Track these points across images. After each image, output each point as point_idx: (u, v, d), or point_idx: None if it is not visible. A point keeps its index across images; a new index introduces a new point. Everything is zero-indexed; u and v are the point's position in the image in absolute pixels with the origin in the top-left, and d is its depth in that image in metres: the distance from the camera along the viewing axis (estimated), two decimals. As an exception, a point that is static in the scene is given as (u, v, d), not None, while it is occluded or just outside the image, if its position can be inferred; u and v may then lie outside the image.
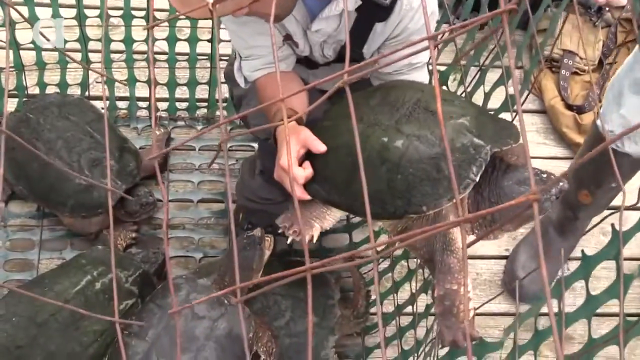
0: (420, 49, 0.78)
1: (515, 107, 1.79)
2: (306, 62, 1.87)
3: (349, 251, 2.37)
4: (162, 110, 2.75)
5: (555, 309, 1.60)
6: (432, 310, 2.01)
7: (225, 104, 2.64)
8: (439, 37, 1.88)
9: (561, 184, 1.53)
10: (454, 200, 1.48)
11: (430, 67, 1.81)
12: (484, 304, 1.78)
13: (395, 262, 2.28)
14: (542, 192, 1.54)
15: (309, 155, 1.64)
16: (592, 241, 2.52)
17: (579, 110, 2.81)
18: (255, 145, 2.69)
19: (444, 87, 1.90)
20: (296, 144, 1.59)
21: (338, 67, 1.89)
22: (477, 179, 1.47)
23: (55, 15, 2.38)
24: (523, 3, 1.85)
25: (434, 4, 1.67)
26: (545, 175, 1.55)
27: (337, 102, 1.77)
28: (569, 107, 2.84)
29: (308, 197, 1.61)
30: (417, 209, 1.49)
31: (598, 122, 2.01)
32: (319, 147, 1.56)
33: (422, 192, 1.48)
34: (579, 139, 2.78)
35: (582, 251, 1.38)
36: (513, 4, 0.72)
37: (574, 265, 2.24)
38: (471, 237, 1.62)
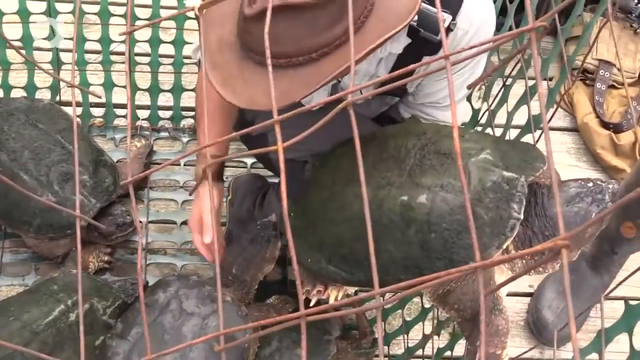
0: (438, 68, 0.77)
1: (540, 126, 1.78)
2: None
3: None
4: (142, 120, 2.74)
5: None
6: (446, 354, 2.01)
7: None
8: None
9: (611, 186, 1.53)
10: (504, 246, 1.46)
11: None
12: (518, 357, 1.76)
13: (406, 300, 2.27)
14: (596, 203, 1.54)
15: (312, 230, 1.64)
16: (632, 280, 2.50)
17: (616, 128, 2.80)
18: (248, 161, 2.68)
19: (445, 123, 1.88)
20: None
21: (374, 103, 1.90)
22: (522, 216, 1.46)
23: (22, 8, 2.38)
24: (551, 9, 1.85)
25: (486, 33, 1.66)
26: (591, 185, 1.55)
27: (324, 166, 1.76)
28: (605, 125, 2.83)
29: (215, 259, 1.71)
30: (461, 265, 1.46)
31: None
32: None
33: (464, 247, 1.46)
34: (616, 162, 2.77)
35: (626, 301, 1.37)
36: (542, 21, 0.72)
37: (607, 305, 2.24)
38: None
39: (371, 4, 1.38)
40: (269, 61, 0.82)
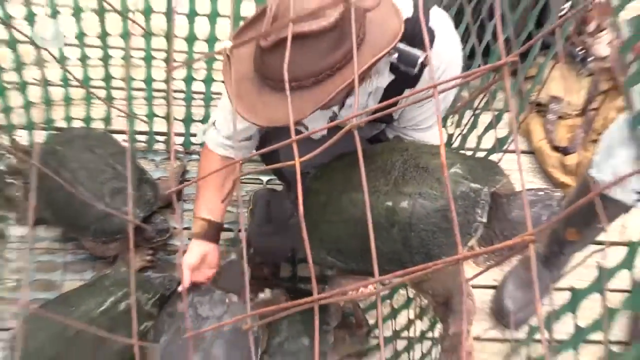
0: (425, 97, 0.78)
1: (503, 148, 1.79)
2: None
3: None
4: (178, 144, 2.75)
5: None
6: (427, 335, 2.02)
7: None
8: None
9: (556, 194, 1.54)
10: (469, 244, 1.47)
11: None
12: (481, 339, 1.77)
13: (394, 291, 2.28)
14: (546, 207, 1.54)
15: (314, 228, 1.64)
16: (575, 273, 2.51)
17: (564, 151, 2.81)
18: (264, 178, 2.68)
19: (426, 142, 1.88)
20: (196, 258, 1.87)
21: (367, 128, 1.91)
22: (485, 220, 1.46)
23: (84, 56, 2.40)
24: (511, 51, 1.86)
25: (456, 67, 1.66)
26: (541, 193, 1.55)
27: (322, 176, 1.76)
28: (555, 148, 2.84)
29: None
30: (437, 260, 1.46)
31: (590, 170, 2.00)
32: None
33: (438, 244, 1.46)
34: (564, 179, 2.78)
35: (572, 287, 1.37)
36: (514, 56, 0.73)
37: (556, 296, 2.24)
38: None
39: (363, 32, 1.40)
40: (287, 86, 0.83)
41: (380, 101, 1.69)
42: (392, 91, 1.66)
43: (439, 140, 1.88)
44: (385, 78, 1.61)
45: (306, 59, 1.34)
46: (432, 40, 1.56)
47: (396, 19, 1.44)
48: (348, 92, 1.64)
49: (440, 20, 1.61)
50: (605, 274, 1.10)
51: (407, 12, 1.57)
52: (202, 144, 2.71)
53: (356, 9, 1.35)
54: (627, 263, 1.09)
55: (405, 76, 1.60)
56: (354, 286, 0.78)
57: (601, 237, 2.28)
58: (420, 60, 1.56)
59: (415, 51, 1.55)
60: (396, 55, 1.55)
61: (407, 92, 1.66)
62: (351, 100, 1.68)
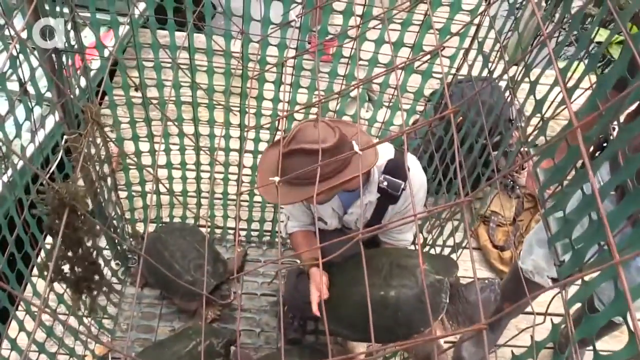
0: (409, 221, 0.75)
1: (462, 245, 1.73)
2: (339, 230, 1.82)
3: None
4: (242, 236, 2.71)
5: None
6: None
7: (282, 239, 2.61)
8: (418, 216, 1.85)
9: (496, 281, 1.50)
10: (438, 319, 1.41)
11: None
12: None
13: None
14: (492, 292, 1.48)
15: (334, 314, 1.58)
16: (509, 334, 2.38)
17: (501, 249, 2.74)
18: (299, 261, 2.63)
19: (404, 241, 1.82)
20: (316, 286, 1.61)
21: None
22: (448, 301, 1.40)
23: (184, 176, 2.41)
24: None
25: (423, 191, 1.64)
26: (487, 281, 1.51)
27: (336, 279, 1.68)
28: (495, 246, 2.77)
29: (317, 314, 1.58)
30: (417, 330, 1.41)
31: (518, 262, 1.95)
32: (324, 294, 1.56)
33: (416, 320, 1.40)
34: (501, 267, 2.70)
35: (512, 352, 1.28)
36: (470, 199, 0.70)
37: (500, 352, 2.11)
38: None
39: (348, 162, 1.39)
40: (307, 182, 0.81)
41: (375, 210, 1.66)
42: (380, 205, 1.63)
43: (410, 241, 1.81)
44: (373, 195, 1.59)
45: (307, 167, 1.33)
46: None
47: (374, 157, 1.44)
48: (348, 204, 1.62)
49: (412, 160, 1.60)
50: (536, 345, 1.03)
51: (390, 154, 1.57)
52: (258, 235, 2.68)
53: (347, 141, 1.35)
54: (553, 335, 1.03)
55: (389, 196, 1.58)
56: (363, 352, 0.73)
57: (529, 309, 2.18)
58: (402, 187, 1.55)
59: (398, 180, 1.54)
60: (386, 183, 1.54)
61: (390, 207, 1.63)
62: (352, 209, 1.65)
